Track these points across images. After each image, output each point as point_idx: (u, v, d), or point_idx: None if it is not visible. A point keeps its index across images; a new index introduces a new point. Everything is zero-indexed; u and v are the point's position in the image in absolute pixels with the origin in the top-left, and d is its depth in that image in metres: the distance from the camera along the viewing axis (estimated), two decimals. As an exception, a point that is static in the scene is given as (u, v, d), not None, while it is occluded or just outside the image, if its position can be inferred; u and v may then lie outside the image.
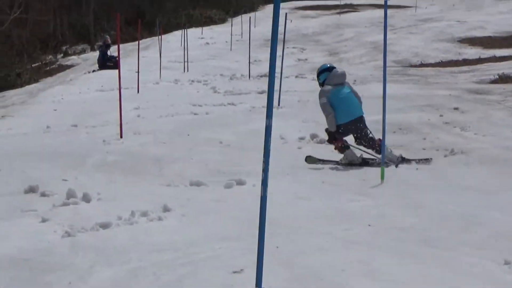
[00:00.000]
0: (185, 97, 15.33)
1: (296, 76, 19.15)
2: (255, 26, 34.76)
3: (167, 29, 38.48)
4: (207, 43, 31.83)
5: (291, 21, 30.00)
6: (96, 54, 28.10)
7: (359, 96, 8.57)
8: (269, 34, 28.94)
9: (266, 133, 3.47)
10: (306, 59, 24.32)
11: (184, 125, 11.31)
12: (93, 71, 23.38)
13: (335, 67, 8.56)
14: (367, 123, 8.45)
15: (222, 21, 47.35)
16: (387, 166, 7.64)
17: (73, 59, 35.10)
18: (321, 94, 8.34)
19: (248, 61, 19.71)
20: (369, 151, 8.37)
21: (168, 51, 26.73)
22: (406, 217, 5.73)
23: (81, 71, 25.84)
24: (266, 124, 3.47)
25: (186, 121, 11.78)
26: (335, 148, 8.40)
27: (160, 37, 23.27)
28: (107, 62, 23.20)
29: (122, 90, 10.86)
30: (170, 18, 45.65)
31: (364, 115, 8.46)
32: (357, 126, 8.33)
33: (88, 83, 19.19)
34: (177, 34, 34.69)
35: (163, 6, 49.90)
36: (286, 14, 14.11)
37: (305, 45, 29.32)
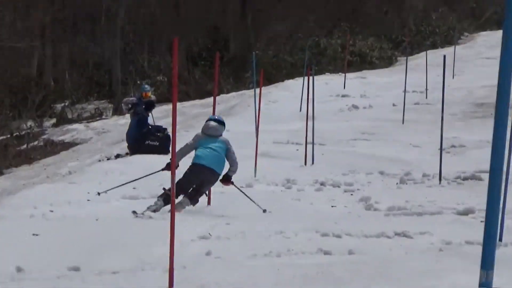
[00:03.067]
0: None
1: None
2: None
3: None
4: None
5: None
6: (125, 121, 25.10)
7: (232, 158, 13.59)
8: None
9: None
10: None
11: None
12: (118, 156, 20.37)
13: (212, 119, 13.81)
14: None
15: None
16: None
17: (76, 129, 32.10)
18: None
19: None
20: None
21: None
22: None
23: (93, 155, 23.24)
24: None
25: None
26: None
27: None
28: (147, 139, 19.40)
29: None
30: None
31: (217, 172, 13.24)
32: (199, 175, 13.35)
33: (107, 180, 16.44)
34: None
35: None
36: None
37: None
